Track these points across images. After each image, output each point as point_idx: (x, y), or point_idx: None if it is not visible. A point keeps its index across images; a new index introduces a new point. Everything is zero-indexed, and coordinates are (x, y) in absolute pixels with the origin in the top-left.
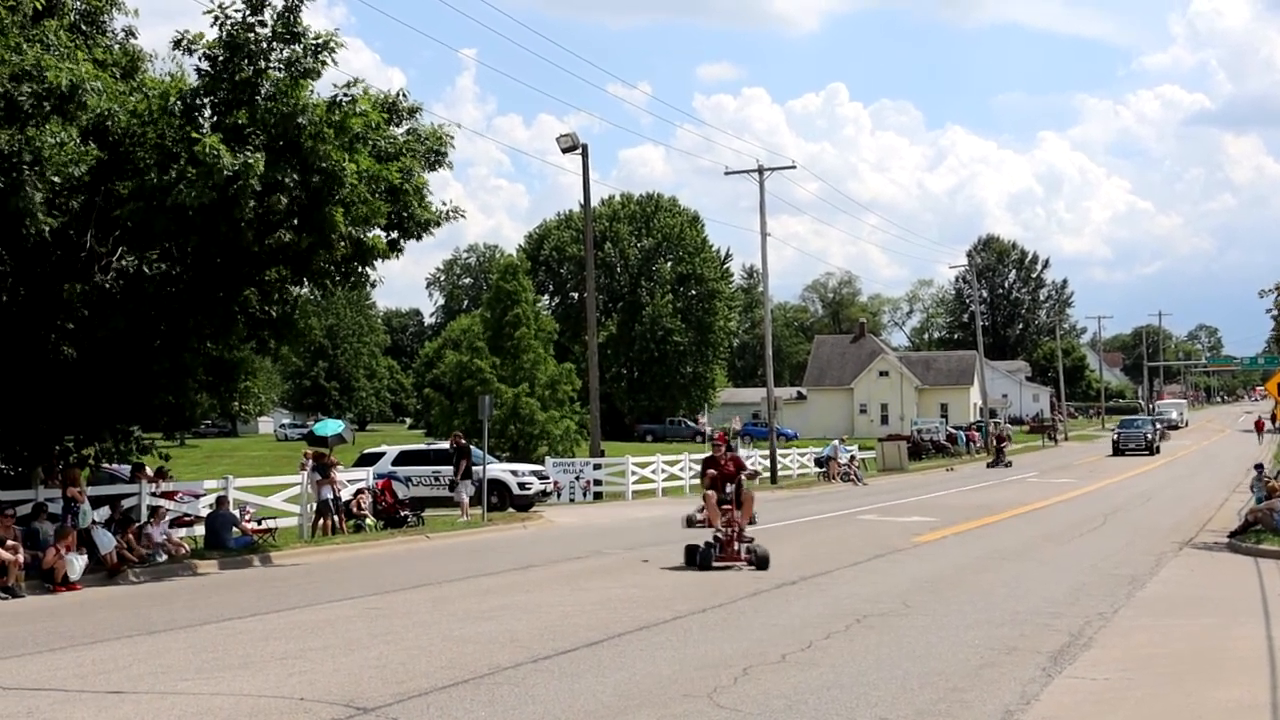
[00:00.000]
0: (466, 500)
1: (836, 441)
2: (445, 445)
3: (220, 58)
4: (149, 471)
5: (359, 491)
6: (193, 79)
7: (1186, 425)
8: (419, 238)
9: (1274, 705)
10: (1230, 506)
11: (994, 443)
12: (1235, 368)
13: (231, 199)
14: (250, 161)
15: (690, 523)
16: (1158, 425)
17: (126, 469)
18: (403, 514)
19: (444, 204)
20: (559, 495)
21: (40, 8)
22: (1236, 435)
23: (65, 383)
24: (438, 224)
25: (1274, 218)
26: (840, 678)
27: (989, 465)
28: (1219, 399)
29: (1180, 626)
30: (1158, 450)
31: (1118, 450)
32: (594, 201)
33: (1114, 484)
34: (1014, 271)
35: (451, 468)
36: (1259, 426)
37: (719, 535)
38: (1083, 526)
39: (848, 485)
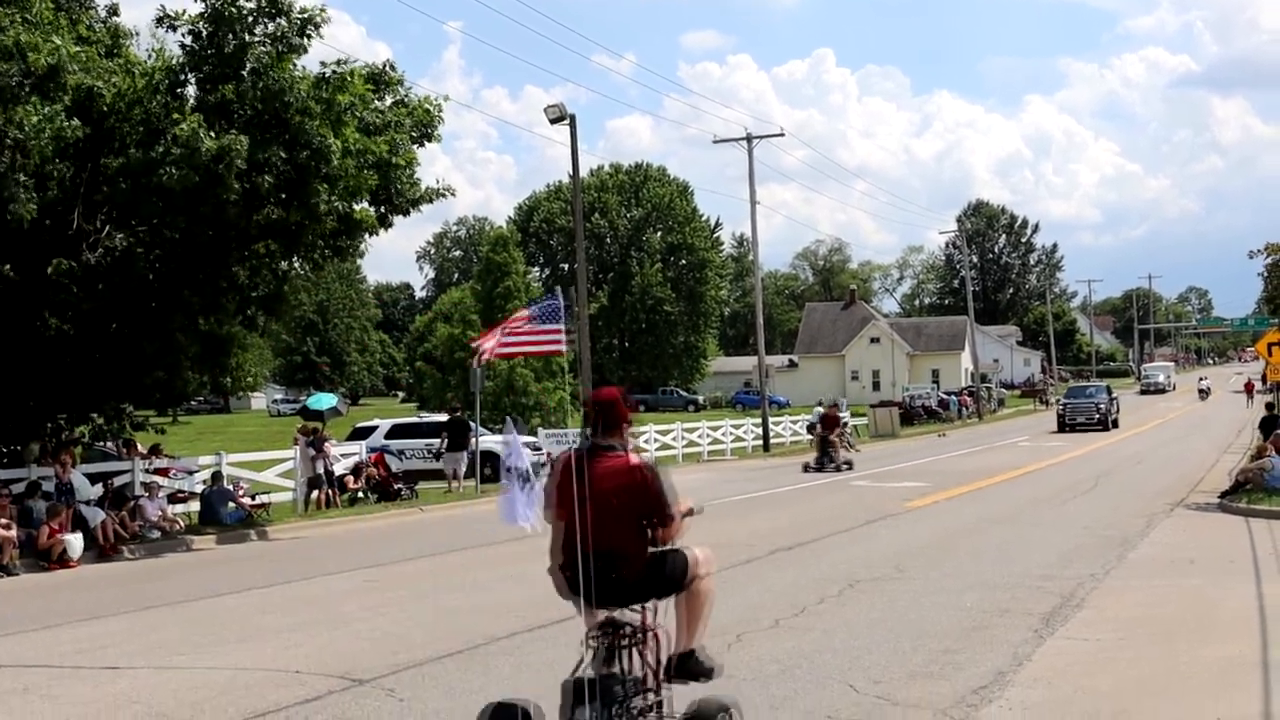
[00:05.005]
0: (460, 471)
1: (820, 408)
2: (439, 418)
3: (204, 32)
4: (141, 448)
5: (357, 466)
6: (175, 54)
7: (1174, 389)
8: (407, 213)
9: (1264, 663)
10: (1221, 468)
11: (818, 433)
12: (1226, 329)
13: (216, 178)
14: (233, 144)
15: None
16: (1114, 395)
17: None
18: (396, 487)
19: (437, 181)
20: (552, 466)
21: None
22: (1226, 396)
23: (56, 361)
24: (428, 201)
25: (1261, 179)
26: (833, 642)
27: (806, 468)
28: (1210, 360)
29: (1171, 587)
30: (1115, 424)
31: (1063, 425)
32: (582, 172)
33: (1105, 447)
34: (1004, 236)
35: (439, 440)
36: (1249, 388)
37: None
38: (1074, 489)
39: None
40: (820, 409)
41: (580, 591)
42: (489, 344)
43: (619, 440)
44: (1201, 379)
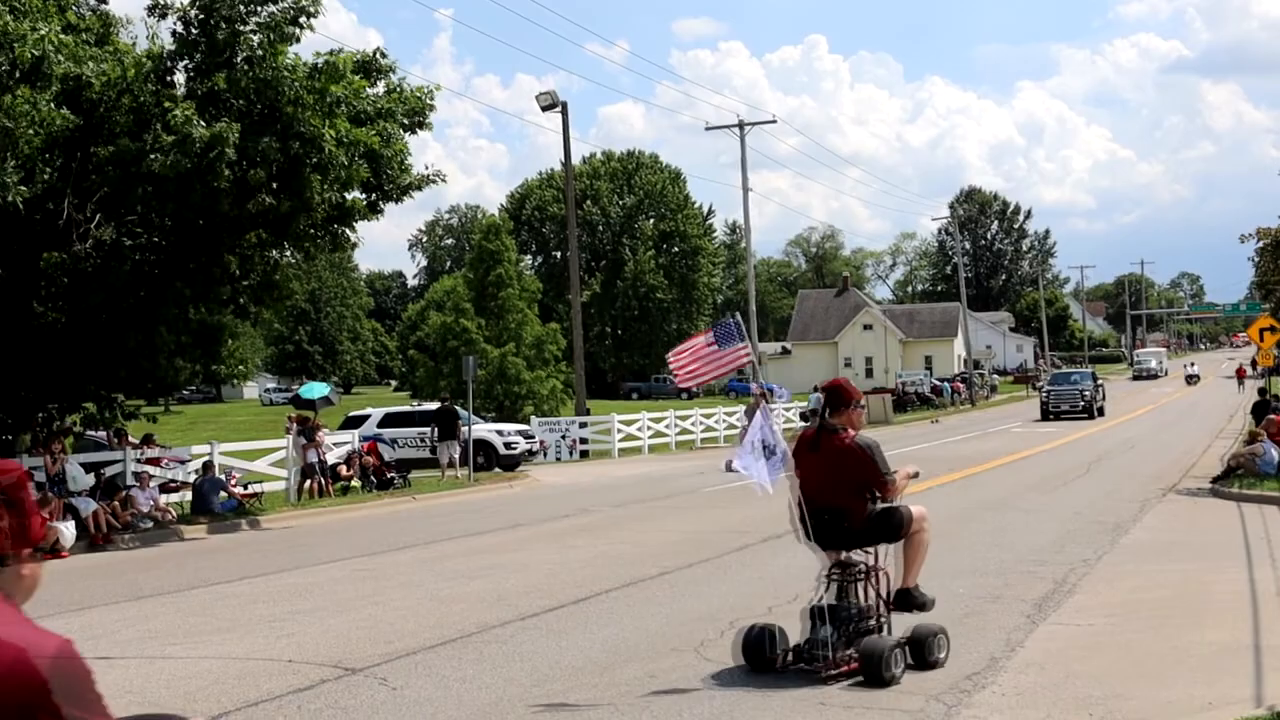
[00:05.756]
0: (455, 459)
1: (816, 394)
2: (432, 407)
3: (196, 19)
4: (133, 438)
5: (350, 455)
6: (166, 42)
7: (1167, 374)
8: (399, 200)
9: (1256, 647)
10: (1213, 452)
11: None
12: (1218, 314)
13: (207, 166)
14: (224, 131)
15: None
16: (1099, 382)
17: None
18: (389, 476)
19: (426, 168)
20: (545, 454)
21: None
22: (1218, 381)
23: (46, 351)
24: (418, 188)
25: (1253, 165)
26: None
27: (729, 468)
28: (1202, 345)
29: (1164, 571)
30: (1100, 412)
31: (1046, 413)
32: (575, 160)
33: (1098, 432)
34: (996, 223)
35: (429, 430)
36: (1240, 374)
37: None
38: (1067, 475)
39: None
40: (817, 395)
41: (812, 537)
42: (679, 366)
43: (843, 420)
44: (1189, 364)
